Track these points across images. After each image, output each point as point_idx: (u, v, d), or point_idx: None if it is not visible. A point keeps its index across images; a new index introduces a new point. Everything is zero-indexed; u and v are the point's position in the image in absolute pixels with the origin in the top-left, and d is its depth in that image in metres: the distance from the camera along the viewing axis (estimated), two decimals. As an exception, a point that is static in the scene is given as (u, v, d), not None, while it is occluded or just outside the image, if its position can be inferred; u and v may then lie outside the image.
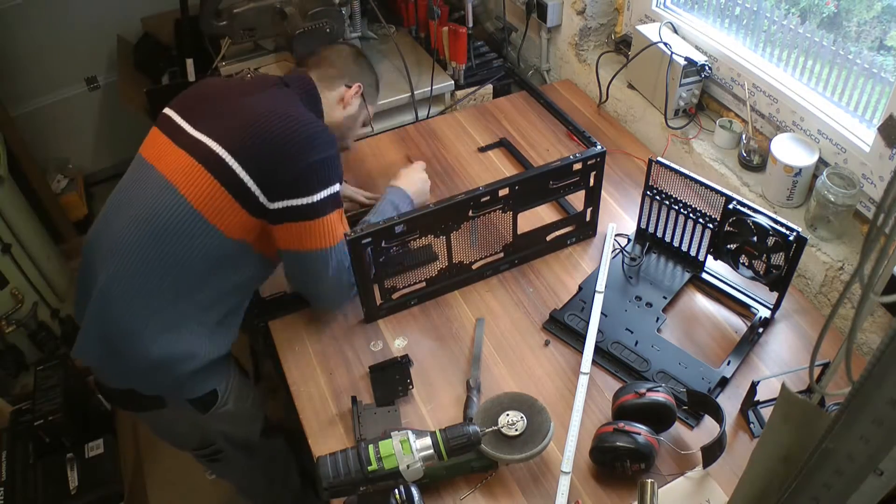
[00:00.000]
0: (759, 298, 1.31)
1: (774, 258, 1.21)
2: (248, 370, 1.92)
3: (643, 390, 1.08)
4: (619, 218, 1.54)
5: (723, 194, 1.24)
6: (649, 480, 0.92)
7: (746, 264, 1.27)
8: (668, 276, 1.38)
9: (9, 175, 2.29)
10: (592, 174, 1.37)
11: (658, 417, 1.07)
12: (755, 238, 1.21)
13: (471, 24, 2.00)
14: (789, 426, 0.67)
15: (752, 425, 1.13)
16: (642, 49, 1.64)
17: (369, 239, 1.21)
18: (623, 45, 1.86)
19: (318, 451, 1.13)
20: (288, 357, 1.30)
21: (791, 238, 1.15)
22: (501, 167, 1.71)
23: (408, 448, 0.91)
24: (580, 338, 1.27)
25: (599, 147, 1.35)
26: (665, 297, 1.33)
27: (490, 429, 1.04)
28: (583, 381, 1.19)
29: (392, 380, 1.20)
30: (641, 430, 1.03)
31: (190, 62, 2.14)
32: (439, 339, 1.31)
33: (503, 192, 1.29)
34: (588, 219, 1.46)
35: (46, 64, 2.75)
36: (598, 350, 1.24)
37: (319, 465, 0.89)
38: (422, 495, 1.05)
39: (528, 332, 1.31)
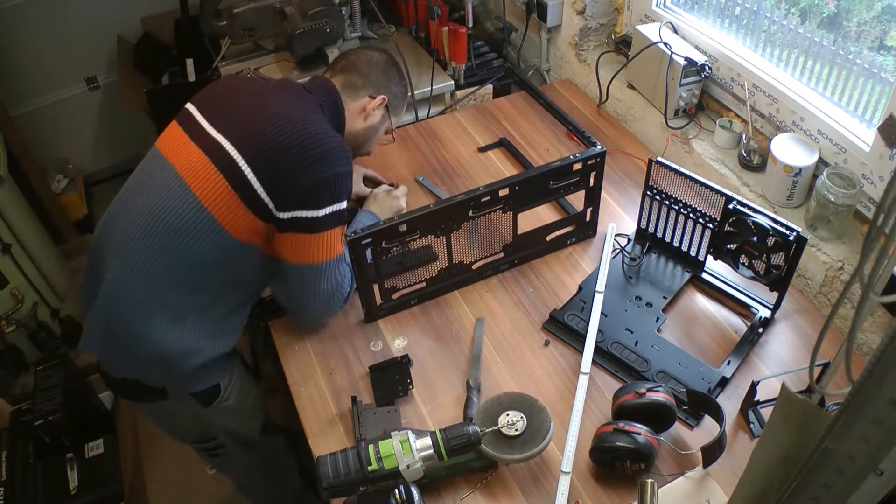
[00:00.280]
0: (759, 298, 1.31)
1: (774, 258, 1.21)
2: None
3: (643, 390, 1.08)
4: (619, 218, 1.54)
5: (723, 194, 1.24)
6: (649, 480, 0.92)
7: (746, 264, 1.27)
8: (668, 276, 1.38)
9: (9, 175, 2.29)
10: (592, 174, 1.37)
11: (658, 417, 1.07)
12: (755, 238, 1.21)
13: (471, 24, 2.00)
14: (789, 426, 0.67)
15: (752, 425, 1.13)
16: (642, 49, 1.64)
17: (369, 239, 1.21)
18: (623, 45, 1.86)
19: (318, 451, 1.13)
20: (288, 357, 1.30)
21: (791, 238, 1.16)
22: (501, 167, 1.71)
23: (408, 448, 0.91)
24: (580, 338, 1.27)
25: (599, 147, 1.36)
26: (665, 297, 1.33)
27: (490, 429, 1.04)
28: (583, 381, 1.19)
29: (392, 380, 1.20)
30: (641, 430, 1.03)
31: (190, 62, 2.14)
32: (439, 339, 1.31)
33: (503, 192, 1.29)
34: (588, 219, 1.46)
35: (46, 64, 2.75)
36: (598, 350, 1.25)
37: (319, 465, 0.89)
38: (422, 495, 1.05)
39: (528, 332, 1.31)
